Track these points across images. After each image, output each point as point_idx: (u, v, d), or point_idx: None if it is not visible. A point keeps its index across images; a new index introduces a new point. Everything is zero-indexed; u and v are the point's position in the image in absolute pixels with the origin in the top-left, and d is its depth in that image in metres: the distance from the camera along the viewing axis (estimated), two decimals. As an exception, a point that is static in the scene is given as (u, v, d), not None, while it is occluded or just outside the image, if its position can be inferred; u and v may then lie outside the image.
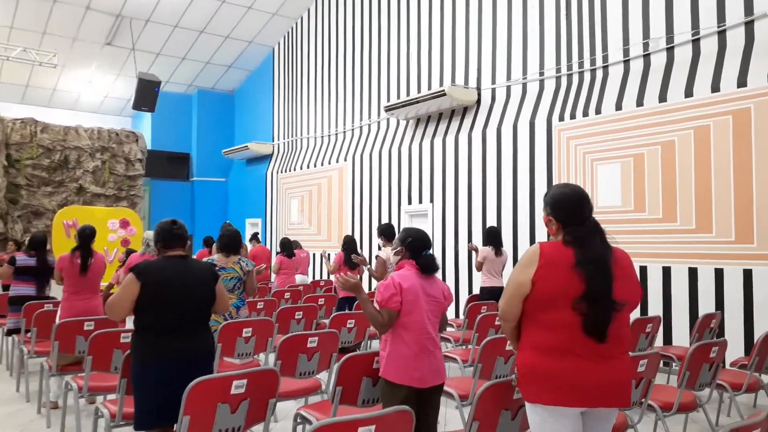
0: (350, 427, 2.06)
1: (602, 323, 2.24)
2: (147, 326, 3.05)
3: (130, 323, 5.90)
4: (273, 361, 5.31)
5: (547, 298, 2.29)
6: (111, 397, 4.30)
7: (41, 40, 12.80)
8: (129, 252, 7.33)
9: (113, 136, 13.92)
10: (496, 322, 5.40)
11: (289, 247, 9.40)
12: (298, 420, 3.49)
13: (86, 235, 5.57)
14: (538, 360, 2.32)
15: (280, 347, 3.94)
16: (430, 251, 3.28)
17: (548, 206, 2.47)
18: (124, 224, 11.74)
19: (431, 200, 10.04)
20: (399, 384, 3.00)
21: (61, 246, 10.46)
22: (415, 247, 3.22)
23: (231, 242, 5.15)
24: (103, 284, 7.87)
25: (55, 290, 6.80)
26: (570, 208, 2.41)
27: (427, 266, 3.18)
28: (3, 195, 12.15)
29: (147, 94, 11.92)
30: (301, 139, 13.75)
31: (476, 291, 8.45)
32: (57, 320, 5.37)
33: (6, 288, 9.79)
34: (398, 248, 3.30)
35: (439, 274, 8.22)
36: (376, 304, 3.10)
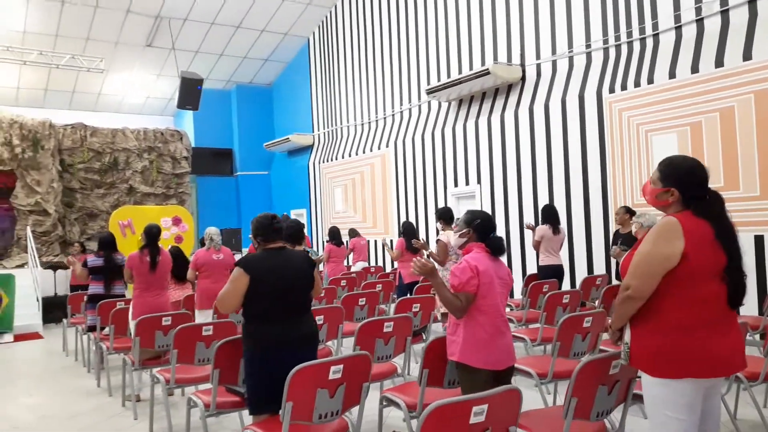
0: (464, 407, 2.11)
1: (743, 293, 2.30)
2: (257, 315, 3.19)
3: (200, 318, 6.09)
4: (348, 346, 5.41)
5: (701, 271, 2.27)
6: (189, 389, 4.47)
7: (85, 45, 13.14)
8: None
9: (159, 136, 14.22)
10: (564, 300, 5.37)
11: (337, 236, 9.48)
12: (384, 402, 3.55)
13: (153, 234, 5.76)
14: (677, 335, 2.29)
15: (358, 333, 4.01)
16: (496, 233, 3.27)
17: (671, 178, 2.40)
18: (177, 221, 12.02)
19: (478, 181, 9.99)
20: (478, 368, 2.99)
21: (119, 246, 10.78)
22: (484, 228, 3.20)
23: (295, 233, 5.28)
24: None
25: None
26: (701, 181, 2.38)
27: (497, 248, 3.17)
28: (60, 199, 12.56)
29: (190, 93, 12.13)
30: (342, 128, 13.81)
31: (530, 271, 8.41)
32: (130, 317, 5.58)
33: (75, 288, 10.23)
34: (464, 230, 3.26)
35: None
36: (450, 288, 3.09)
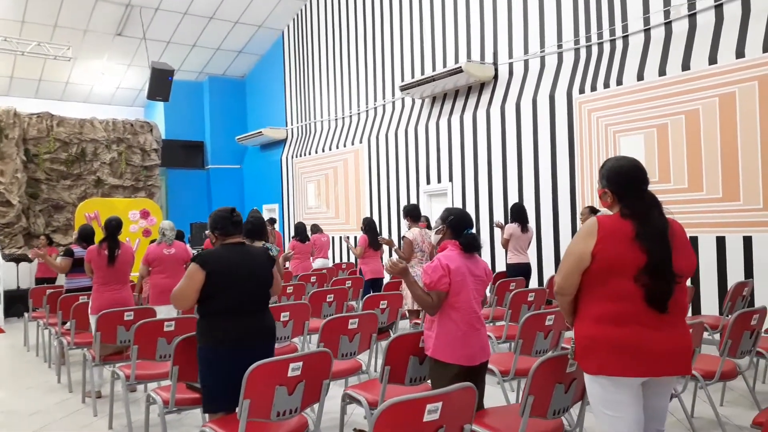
0: (419, 404, 2.10)
1: (665, 295, 2.28)
2: (213, 311, 3.13)
3: (165, 312, 5.99)
4: (315, 343, 5.38)
5: (608, 269, 2.31)
6: (152, 385, 4.40)
7: (53, 33, 12.81)
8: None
9: (128, 127, 13.94)
10: (529, 298, 5.43)
11: (303, 232, 9.41)
12: (346, 400, 3.55)
13: (112, 227, 5.61)
14: (599, 331, 2.34)
15: (322, 329, 3.99)
16: (472, 230, 3.30)
17: (605, 179, 2.46)
18: (145, 214, 11.82)
19: (450, 179, 10.03)
20: (450, 363, 3.05)
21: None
22: (458, 225, 3.24)
23: (255, 228, 5.19)
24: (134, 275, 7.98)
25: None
26: (628, 181, 2.41)
27: (469, 245, 3.20)
28: (24, 190, 12.24)
29: (161, 84, 11.91)
30: (315, 123, 13.73)
31: (500, 269, 8.48)
32: (89, 312, 5.45)
33: (40, 282, 9.98)
34: (440, 227, 3.31)
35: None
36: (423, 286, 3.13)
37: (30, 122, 12.61)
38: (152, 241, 7.87)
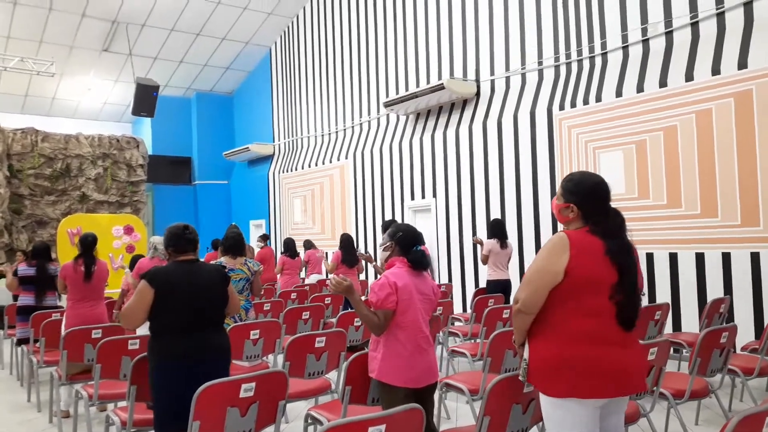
0: (360, 427, 2.05)
1: (635, 312, 2.30)
2: (162, 330, 3.08)
3: (140, 330, 5.91)
4: (281, 362, 5.31)
5: (582, 286, 2.27)
6: (122, 404, 4.32)
7: (38, 48, 12.80)
8: (136, 258, 7.33)
9: (114, 143, 13.92)
10: (504, 315, 5.38)
11: (292, 248, 9.37)
12: (309, 420, 3.48)
13: (88, 243, 5.58)
14: (571, 350, 2.27)
15: (288, 348, 3.93)
16: (421, 247, 3.18)
17: (572, 194, 2.41)
18: (129, 230, 11.75)
19: (434, 195, 10.01)
20: (396, 386, 2.94)
21: (67, 254, 10.45)
22: (405, 242, 3.12)
23: (236, 244, 5.16)
24: (112, 291, 7.89)
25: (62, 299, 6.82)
26: (597, 198, 2.39)
27: (417, 262, 3.08)
28: (6, 206, 12.17)
29: (145, 99, 11.90)
30: (302, 139, 13.73)
31: (482, 285, 8.43)
32: (63, 329, 5.38)
33: (17, 298, 9.87)
34: (387, 243, 3.21)
35: (444, 269, 8.21)
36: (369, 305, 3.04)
37: (14, 138, 12.58)
38: (135, 257, 7.81)
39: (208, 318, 3.19)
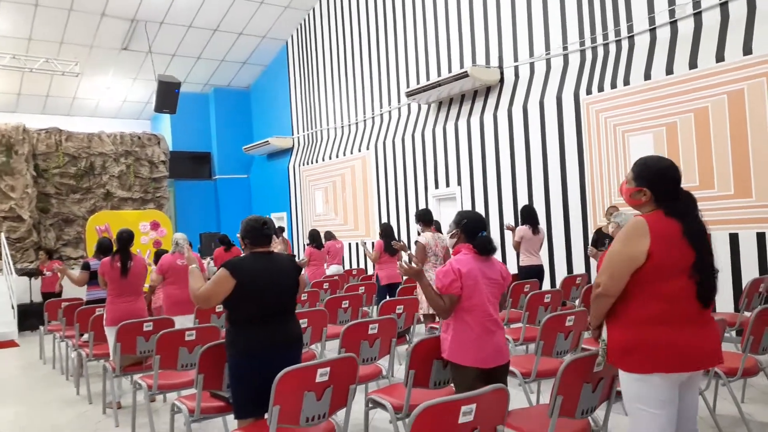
0: (453, 407, 2.12)
1: (713, 291, 2.36)
2: (243, 319, 3.17)
3: (179, 323, 6.01)
4: (331, 349, 5.38)
5: (666, 269, 2.33)
6: (171, 395, 4.42)
7: (59, 49, 12.93)
8: (161, 253, 7.44)
9: (135, 140, 14.06)
10: (546, 300, 5.43)
11: (317, 239, 9.45)
12: (370, 405, 3.56)
13: (124, 239, 5.64)
14: (654, 329, 2.34)
15: (343, 335, 4.01)
16: (486, 232, 3.28)
17: (644, 178, 2.46)
18: (155, 226, 11.89)
19: (459, 183, 10.05)
20: (465, 365, 3.05)
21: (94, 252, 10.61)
22: (471, 228, 3.22)
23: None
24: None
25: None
26: (671, 182, 2.44)
27: (483, 248, 3.18)
28: (34, 205, 12.34)
29: (167, 96, 12.01)
30: (321, 131, 13.79)
31: (511, 271, 8.47)
32: (104, 323, 5.48)
33: (48, 296, 10.01)
34: (453, 231, 3.31)
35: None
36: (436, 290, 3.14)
37: (39, 138, 12.74)
38: (159, 252, 7.92)
39: (283, 307, 3.29)
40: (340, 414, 3.13)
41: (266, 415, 2.80)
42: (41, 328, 7.86)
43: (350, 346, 4.04)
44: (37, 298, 10.96)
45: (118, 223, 11.20)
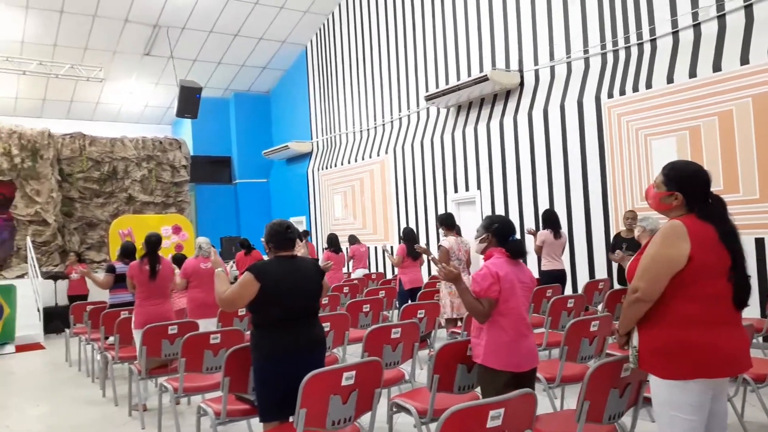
0: (482, 411, 2.13)
1: (748, 293, 2.37)
2: (267, 323, 3.21)
3: (202, 326, 6.08)
4: (353, 353, 5.40)
5: (704, 272, 2.33)
6: (196, 398, 4.47)
7: (83, 55, 13.15)
8: (179, 258, 7.53)
9: (157, 145, 14.24)
10: (569, 305, 5.40)
11: (336, 243, 9.48)
12: (394, 409, 3.57)
13: (153, 242, 5.73)
14: (692, 333, 2.32)
15: (366, 339, 4.02)
16: (516, 236, 3.29)
17: (674, 182, 2.46)
18: (177, 230, 12.04)
19: (478, 187, 10.03)
20: (499, 370, 3.05)
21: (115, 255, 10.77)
22: (502, 233, 3.23)
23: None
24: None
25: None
26: (702, 185, 2.44)
27: (516, 251, 3.20)
28: (59, 209, 12.55)
29: (189, 101, 12.15)
30: (340, 135, 13.85)
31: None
32: (132, 326, 5.56)
33: (74, 299, 10.18)
34: (483, 235, 3.31)
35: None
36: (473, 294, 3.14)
37: (63, 143, 12.96)
38: (177, 257, 8.01)
39: (306, 311, 3.32)
40: (365, 418, 3.15)
41: (291, 418, 2.82)
42: (67, 330, 7.99)
43: (373, 350, 4.06)
44: (62, 300, 11.15)
45: (140, 227, 11.38)
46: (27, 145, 12.25)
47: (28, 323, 10.01)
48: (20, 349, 9.25)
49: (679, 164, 2.54)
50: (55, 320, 10.43)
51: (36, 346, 9.49)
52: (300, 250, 6.06)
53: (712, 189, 2.48)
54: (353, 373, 2.86)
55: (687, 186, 2.43)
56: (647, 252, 2.45)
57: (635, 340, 2.50)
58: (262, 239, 3.50)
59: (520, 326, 3.08)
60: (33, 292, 10.66)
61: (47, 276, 11.64)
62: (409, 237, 7.71)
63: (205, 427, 3.76)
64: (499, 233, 3.21)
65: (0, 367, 8.02)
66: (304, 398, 2.73)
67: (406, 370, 4.45)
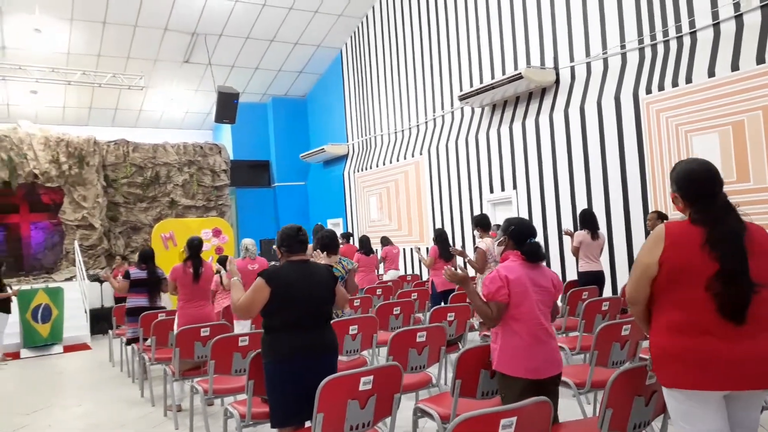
0: (492, 419, 2.08)
1: (739, 304, 2.14)
2: (277, 327, 3.21)
3: (240, 327, 6.19)
4: (377, 357, 5.40)
5: (675, 277, 2.23)
6: (228, 399, 4.54)
7: (126, 64, 13.56)
8: (224, 259, 7.65)
9: (198, 150, 14.55)
10: (603, 308, 5.26)
11: (367, 245, 9.46)
12: (418, 414, 3.54)
13: (195, 246, 5.86)
14: (670, 341, 2.26)
15: (391, 343, 4.01)
16: (535, 239, 3.20)
17: (674, 183, 2.37)
18: (217, 233, 12.23)
19: (514, 187, 9.89)
20: (514, 376, 2.97)
21: (161, 258, 11.05)
22: (519, 235, 3.15)
23: (332, 242, 5.29)
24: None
25: (165, 300, 7.22)
26: (698, 185, 2.31)
27: (532, 254, 3.10)
28: (105, 213, 12.97)
29: (227, 107, 12.38)
30: (375, 137, 13.87)
31: (570, 277, 8.28)
32: (175, 328, 5.69)
33: (119, 301, 10.50)
34: (501, 238, 3.26)
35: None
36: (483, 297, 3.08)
37: (108, 149, 13.38)
38: (222, 258, 8.15)
39: (320, 315, 3.32)
40: (387, 422, 3.13)
41: (308, 423, 2.82)
42: (110, 332, 8.24)
43: (398, 354, 4.04)
44: (108, 302, 11.51)
45: (181, 230, 11.61)
46: (74, 152, 12.69)
47: (76, 324, 10.38)
48: (68, 349, 9.59)
49: (680, 164, 2.43)
50: (101, 321, 10.76)
51: (83, 347, 9.82)
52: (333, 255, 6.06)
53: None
54: (371, 377, 2.85)
55: (683, 187, 2.34)
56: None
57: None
58: (274, 246, 3.52)
59: (537, 331, 2.99)
60: (80, 294, 11.04)
61: (94, 278, 12.04)
62: (441, 238, 7.65)
63: (232, 428, 3.81)
64: (516, 235, 3.14)
65: (48, 367, 8.33)
66: (321, 403, 2.73)
67: (435, 374, 4.41)
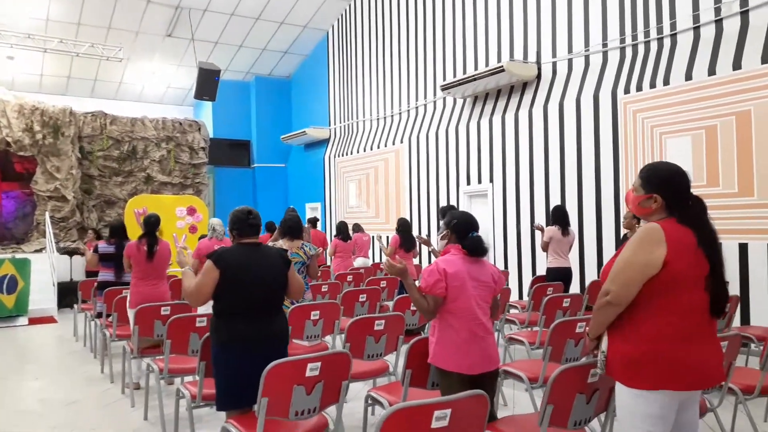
0: (426, 411, 2.08)
1: (725, 302, 2.29)
2: (225, 311, 3.17)
3: (204, 308, 6.15)
4: (341, 343, 5.40)
5: (679, 279, 2.23)
6: (188, 378, 4.52)
7: (107, 35, 13.29)
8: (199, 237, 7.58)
9: (177, 126, 14.35)
10: (564, 304, 5.31)
11: (345, 231, 9.47)
12: (369, 401, 3.55)
13: (151, 223, 5.75)
14: (662, 344, 2.23)
15: (348, 330, 4.00)
16: (477, 233, 3.15)
17: (653, 184, 2.35)
18: (191, 211, 12.15)
19: (491, 180, 9.91)
20: (449, 371, 2.96)
21: (134, 234, 10.92)
22: (461, 229, 3.11)
23: (295, 227, 5.25)
24: (176, 270, 8.18)
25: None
26: (685, 187, 2.34)
27: (473, 248, 3.06)
28: (78, 186, 12.76)
29: (208, 84, 12.21)
30: (357, 122, 13.80)
31: (539, 272, 8.33)
32: (128, 306, 5.62)
33: (91, 275, 10.38)
34: (444, 232, 3.23)
35: (500, 256, 8.16)
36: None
37: (85, 121, 13.14)
38: (201, 237, 8.09)
39: (269, 301, 3.26)
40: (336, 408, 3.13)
41: (255, 407, 2.81)
42: (75, 306, 8.15)
43: (355, 341, 4.04)
44: (78, 276, 11.38)
45: (156, 206, 11.49)
46: (48, 121, 12.44)
47: (43, 297, 10.25)
48: (33, 321, 9.48)
49: (660, 165, 2.44)
50: (69, 295, 10.62)
51: (49, 320, 9.70)
52: (305, 236, 6.00)
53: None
54: (318, 364, 2.84)
55: (667, 188, 2.33)
56: (622, 255, 2.36)
57: (604, 345, 2.41)
58: (227, 227, 3.47)
59: (473, 327, 2.97)
60: (49, 267, 10.89)
61: (64, 251, 11.89)
62: (403, 228, 7.61)
63: (183, 409, 3.80)
64: (458, 229, 3.11)
65: (10, 339, 8.22)
66: (266, 387, 2.72)
67: (393, 363, 4.43)
